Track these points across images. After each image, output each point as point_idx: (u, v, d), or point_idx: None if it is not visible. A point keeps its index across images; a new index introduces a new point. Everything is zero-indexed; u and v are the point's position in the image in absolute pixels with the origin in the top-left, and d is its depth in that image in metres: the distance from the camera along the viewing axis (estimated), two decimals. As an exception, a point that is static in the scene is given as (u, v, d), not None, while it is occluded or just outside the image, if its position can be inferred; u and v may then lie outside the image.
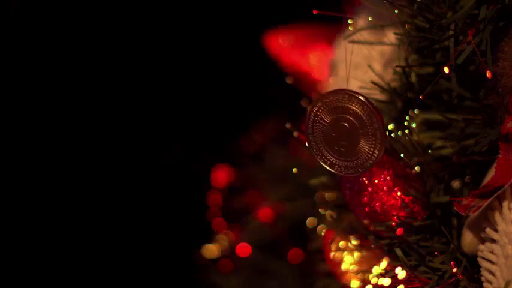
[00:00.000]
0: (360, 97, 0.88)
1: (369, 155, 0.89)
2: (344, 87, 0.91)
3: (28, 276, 1.70)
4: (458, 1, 0.91)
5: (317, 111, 0.90)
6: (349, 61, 0.99)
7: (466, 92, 0.94)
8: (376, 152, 0.89)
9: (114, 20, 1.71)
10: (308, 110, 0.91)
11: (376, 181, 0.95)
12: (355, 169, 0.90)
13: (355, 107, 0.89)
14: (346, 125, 0.89)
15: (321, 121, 0.90)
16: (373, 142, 0.89)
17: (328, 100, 0.90)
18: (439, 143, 0.98)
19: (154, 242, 1.70)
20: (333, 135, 0.90)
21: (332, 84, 1.16)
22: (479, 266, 0.92)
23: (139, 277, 1.71)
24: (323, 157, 0.91)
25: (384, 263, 0.97)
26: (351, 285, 1.04)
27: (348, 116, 0.89)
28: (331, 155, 0.91)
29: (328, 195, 1.05)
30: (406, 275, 0.94)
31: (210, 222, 1.47)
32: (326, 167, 0.91)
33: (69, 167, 1.72)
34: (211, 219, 1.47)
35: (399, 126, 0.99)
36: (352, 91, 0.89)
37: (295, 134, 1.07)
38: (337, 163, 0.91)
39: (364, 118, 0.88)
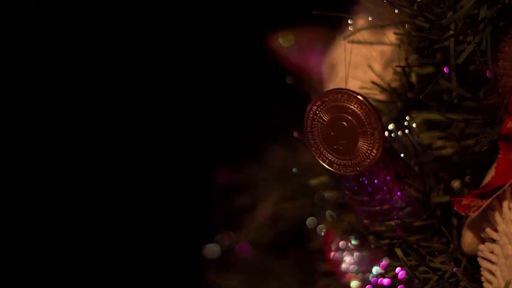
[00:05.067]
0: (359, 97, 0.88)
1: (367, 154, 0.89)
2: (343, 87, 0.91)
3: (30, 277, 1.70)
4: (458, 1, 0.91)
5: (316, 110, 0.90)
6: (349, 61, 0.99)
7: (466, 92, 0.94)
8: (374, 151, 0.89)
9: (114, 20, 1.71)
10: (307, 108, 0.91)
11: (376, 181, 0.95)
12: (354, 168, 0.91)
13: (353, 106, 0.89)
14: (345, 124, 0.90)
15: (320, 120, 0.91)
16: (372, 141, 0.89)
17: (327, 99, 0.90)
18: (439, 143, 0.98)
19: (154, 242, 1.70)
20: (332, 134, 0.91)
21: (332, 84, 1.16)
22: (479, 266, 0.92)
23: (139, 277, 1.71)
24: (322, 155, 0.92)
25: (383, 263, 0.97)
26: (351, 285, 1.04)
27: (346, 115, 0.89)
28: (330, 154, 0.91)
29: (328, 195, 1.05)
30: (406, 275, 0.94)
31: (210, 222, 1.47)
32: (325, 165, 0.92)
33: (68, 168, 1.72)
34: (211, 219, 1.47)
35: (399, 126, 0.99)
36: (351, 90, 0.89)
37: (295, 134, 1.07)
38: (335, 161, 0.91)
39: (362, 117, 0.89)
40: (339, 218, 1.03)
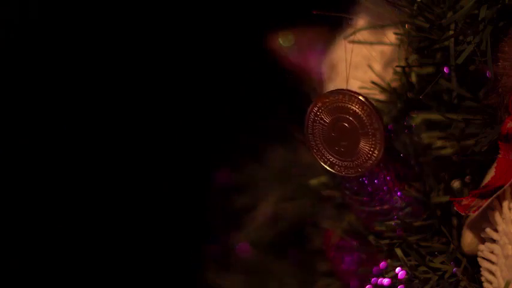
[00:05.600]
0: (360, 97, 0.88)
1: (369, 155, 0.89)
2: (344, 87, 0.91)
3: (30, 277, 1.70)
4: (458, 1, 0.91)
5: (317, 111, 0.90)
6: (349, 61, 0.99)
7: (466, 92, 0.94)
8: (376, 152, 0.89)
9: (114, 20, 1.71)
10: (308, 110, 0.91)
11: (376, 181, 0.95)
12: (355, 169, 0.91)
13: (355, 107, 0.89)
14: (346, 125, 0.90)
15: (321, 121, 0.90)
16: (373, 142, 0.89)
17: (328, 100, 0.90)
18: (439, 143, 0.98)
19: (154, 242, 1.70)
20: (333, 135, 0.90)
21: (332, 84, 1.16)
22: (479, 266, 0.92)
23: (139, 277, 1.71)
24: (323, 157, 0.91)
25: (383, 263, 0.97)
26: (351, 284, 1.04)
27: (347, 116, 0.89)
28: (331, 155, 0.91)
29: (328, 195, 1.05)
30: (406, 275, 0.94)
31: (210, 222, 1.47)
32: (326, 167, 0.91)
33: (68, 168, 1.72)
34: (211, 219, 1.47)
35: (399, 126, 0.99)
36: (352, 91, 0.89)
37: (296, 134, 1.07)
38: (337, 163, 0.91)
39: (364, 118, 0.88)
40: (339, 218, 1.03)
